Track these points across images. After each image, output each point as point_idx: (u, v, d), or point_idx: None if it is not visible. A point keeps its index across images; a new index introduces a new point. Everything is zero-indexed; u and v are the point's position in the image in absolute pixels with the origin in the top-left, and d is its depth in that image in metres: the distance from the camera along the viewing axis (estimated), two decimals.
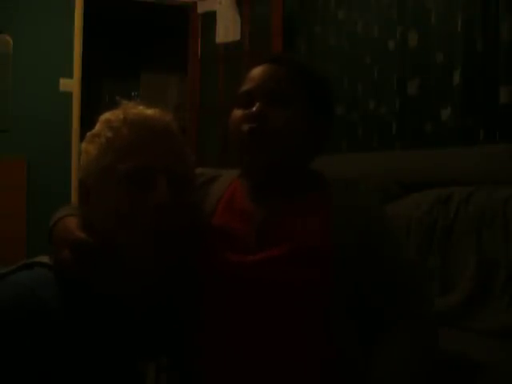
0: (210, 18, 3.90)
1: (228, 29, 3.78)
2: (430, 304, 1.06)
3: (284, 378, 0.93)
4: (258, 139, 1.00)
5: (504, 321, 1.45)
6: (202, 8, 3.98)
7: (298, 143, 1.03)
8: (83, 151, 0.92)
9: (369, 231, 1.01)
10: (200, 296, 0.99)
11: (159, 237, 0.86)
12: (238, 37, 3.77)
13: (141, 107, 0.93)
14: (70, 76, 3.89)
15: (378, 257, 1.00)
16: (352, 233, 0.99)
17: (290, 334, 0.94)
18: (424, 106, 2.50)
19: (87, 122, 1.13)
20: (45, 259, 0.87)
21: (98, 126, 0.92)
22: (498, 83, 2.08)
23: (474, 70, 2.20)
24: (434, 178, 2.00)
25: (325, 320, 0.96)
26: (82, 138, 0.97)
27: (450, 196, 1.77)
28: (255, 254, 0.98)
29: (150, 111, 0.93)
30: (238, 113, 1.05)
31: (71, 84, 3.89)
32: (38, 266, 0.86)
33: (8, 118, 3.67)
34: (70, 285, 0.84)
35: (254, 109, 1.01)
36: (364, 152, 2.82)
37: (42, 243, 0.98)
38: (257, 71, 1.06)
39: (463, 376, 1.25)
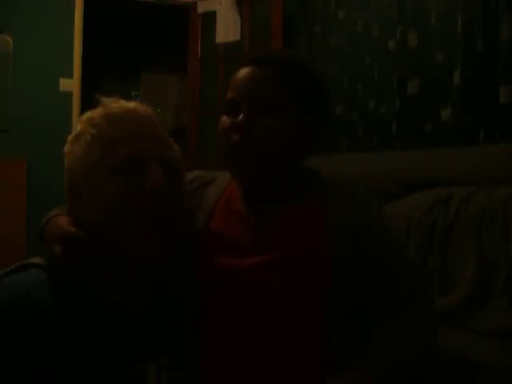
0: (210, 18, 3.90)
1: (228, 29, 3.78)
2: (432, 303, 1.06)
3: (283, 379, 0.93)
4: (244, 151, 0.98)
5: (504, 321, 1.45)
6: (201, 8, 3.98)
7: (288, 148, 1.00)
8: (67, 153, 0.91)
9: (369, 231, 1.00)
10: (200, 297, 0.99)
11: (158, 222, 0.86)
12: (238, 37, 3.77)
13: (121, 101, 0.94)
14: (70, 76, 3.89)
15: (378, 257, 1.00)
16: (351, 233, 0.99)
17: (289, 335, 0.94)
18: (424, 106, 2.50)
19: None
20: (38, 260, 0.87)
21: (79, 126, 0.92)
22: (498, 83, 2.08)
23: (474, 70, 2.20)
24: (434, 177, 2.00)
25: (324, 321, 0.95)
26: None
27: (449, 196, 1.77)
28: (253, 257, 0.98)
29: (130, 104, 0.93)
30: (225, 121, 1.02)
31: (71, 84, 3.89)
32: (32, 267, 0.86)
33: (8, 117, 3.67)
34: (66, 285, 0.83)
35: (240, 119, 0.98)
36: (364, 152, 2.82)
37: (40, 244, 0.98)
38: (241, 76, 1.02)
39: (463, 376, 1.25)
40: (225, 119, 1.02)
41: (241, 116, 0.98)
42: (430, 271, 1.69)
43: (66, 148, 0.92)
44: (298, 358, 0.94)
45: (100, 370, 0.83)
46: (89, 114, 0.93)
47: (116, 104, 0.92)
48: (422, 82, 2.51)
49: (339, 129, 3.06)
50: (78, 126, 0.92)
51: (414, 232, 1.79)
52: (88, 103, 0.99)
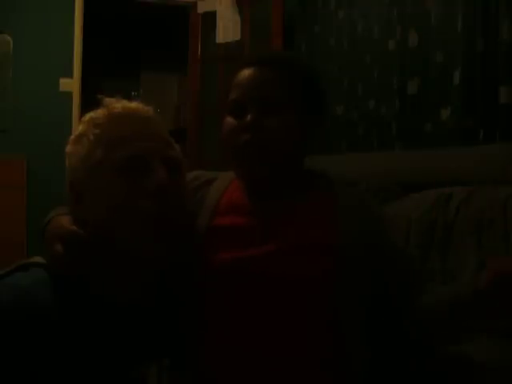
0: (210, 17, 3.90)
1: (228, 29, 3.78)
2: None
3: (289, 374, 0.93)
4: (253, 150, 0.99)
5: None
6: (201, 8, 3.98)
7: (294, 147, 1.02)
8: (69, 153, 0.92)
9: (373, 231, 1.02)
10: (203, 296, 0.99)
11: (161, 222, 0.86)
12: (237, 37, 3.77)
13: (123, 101, 0.94)
14: (70, 76, 3.89)
15: (387, 257, 1.01)
16: (357, 232, 1.00)
17: (295, 329, 0.95)
18: (424, 106, 2.50)
19: None
20: (38, 259, 0.87)
21: (82, 127, 0.92)
22: (498, 83, 2.08)
23: (474, 69, 2.20)
24: (433, 177, 2.00)
25: (331, 317, 0.96)
26: None
27: (450, 196, 1.77)
28: (260, 247, 0.98)
29: (132, 104, 0.94)
30: (230, 121, 1.02)
31: (71, 84, 3.89)
32: (33, 266, 0.86)
33: (8, 117, 3.66)
34: (67, 284, 0.83)
35: (248, 119, 0.98)
36: (364, 152, 2.82)
37: (41, 243, 0.98)
38: (244, 76, 1.03)
39: (463, 376, 1.25)
40: (230, 120, 1.02)
41: (248, 116, 0.99)
42: (430, 271, 1.69)
43: (68, 148, 0.92)
44: (304, 352, 0.94)
45: (101, 371, 0.83)
46: (91, 114, 0.93)
47: (118, 104, 0.93)
48: (421, 82, 2.51)
49: (339, 129, 3.06)
50: (79, 127, 0.92)
51: (414, 232, 1.79)
52: (88, 103, 1.00)
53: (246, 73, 1.03)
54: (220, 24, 3.81)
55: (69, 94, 3.88)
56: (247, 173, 1.03)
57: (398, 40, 2.67)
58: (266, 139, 0.98)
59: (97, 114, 0.92)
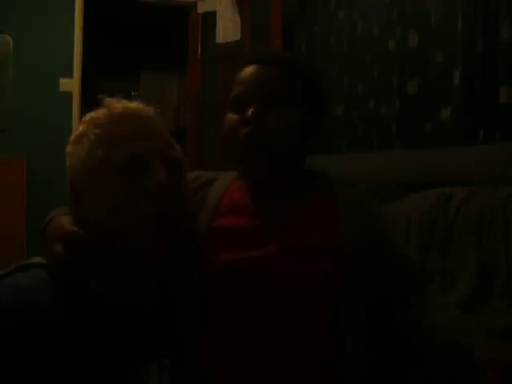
0: (210, 17, 3.90)
1: (228, 29, 3.78)
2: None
3: (289, 374, 0.93)
4: (255, 145, 0.99)
5: (504, 321, 1.45)
6: (201, 8, 3.98)
7: (295, 144, 1.02)
8: (70, 153, 0.91)
9: (373, 231, 1.02)
10: (202, 296, 0.99)
11: (161, 222, 0.86)
12: (237, 37, 3.77)
13: (124, 101, 0.94)
14: (70, 76, 3.89)
15: (388, 257, 1.02)
16: (357, 232, 1.00)
17: (296, 329, 0.95)
18: (424, 106, 2.50)
19: None
20: (38, 259, 0.87)
21: (82, 127, 0.92)
22: (498, 83, 2.08)
23: (474, 70, 2.21)
24: (433, 177, 2.00)
25: (331, 317, 0.96)
26: None
27: (450, 196, 1.78)
28: (263, 248, 0.98)
29: (133, 104, 0.94)
30: (232, 117, 1.02)
31: (71, 84, 3.89)
32: (33, 266, 0.86)
33: (8, 117, 3.67)
34: (67, 285, 0.83)
35: (250, 113, 0.99)
36: (364, 152, 2.82)
37: (41, 243, 0.98)
38: (247, 74, 1.03)
39: (463, 376, 1.25)
40: (232, 116, 1.03)
41: (250, 110, 0.99)
42: (429, 271, 1.69)
43: (69, 148, 0.92)
44: (304, 353, 0.94)
45: (101, 371, 0.83)
46: (91, 114, 0.93)
47: (119, 104, 0.93)
48: (421, 82, 2.51)
49: (339, 129, 3.07)
50: (80, 127, 0.92)
51: (414, 232, 1.79)
52: (88, 103, 1.00)
53: (248, 70, 1.03)
54: (220, 24, 3.82)
55: (69, 94, 3.88)
56: (248, 170, 1.03)
57: (398, 40, 2.67)
58: (268, 134, 0.98)
59: (97, 114, 0.92)
